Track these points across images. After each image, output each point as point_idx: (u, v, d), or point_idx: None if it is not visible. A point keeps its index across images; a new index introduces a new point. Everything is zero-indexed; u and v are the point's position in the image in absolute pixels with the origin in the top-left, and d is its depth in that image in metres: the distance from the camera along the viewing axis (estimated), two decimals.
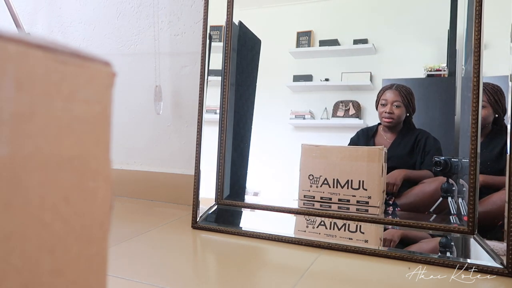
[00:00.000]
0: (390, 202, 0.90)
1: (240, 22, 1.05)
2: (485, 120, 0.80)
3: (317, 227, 0.89)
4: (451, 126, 0.86)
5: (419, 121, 0.91)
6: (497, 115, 0.80)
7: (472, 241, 0.78)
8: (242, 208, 1.00)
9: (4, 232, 0.18)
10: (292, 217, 0.93)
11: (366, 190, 0.87)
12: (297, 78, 1.03)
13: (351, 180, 0.89)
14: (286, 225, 0.93)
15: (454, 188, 0.84)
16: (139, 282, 0.68)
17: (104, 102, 0.24)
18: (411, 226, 0.83)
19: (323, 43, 1.01)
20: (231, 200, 1.02)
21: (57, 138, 0.21)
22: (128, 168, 1.32)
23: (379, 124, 0.94)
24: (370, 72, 0.95)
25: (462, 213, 0.81)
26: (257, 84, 1.06)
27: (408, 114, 0.91)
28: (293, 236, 0.89)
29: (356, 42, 0.97)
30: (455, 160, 0.84)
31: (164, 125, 1.29)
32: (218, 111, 1.03)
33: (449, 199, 0.84)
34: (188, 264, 0.78)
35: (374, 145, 0.93)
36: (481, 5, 0.79)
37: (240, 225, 0.97)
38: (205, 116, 1.03)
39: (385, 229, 0.85)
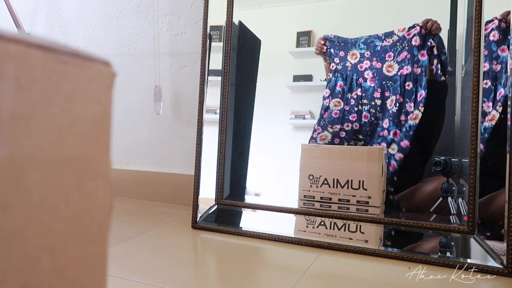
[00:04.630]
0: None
1: (240, 22, 1.05)
2: None
3: (317, 227, 0.89)
4: (451, 126, 0.86)
5: None
6: None
7: (472, 241, 0.78)
8: (242, 208, 1.00)
9: (4, 232, 0.18)
10: (292, 217, 0.93)
11: (366, 190, 0.87)
12: (297, 78, 1.03)
13: (351, 180, 0.89)
14: (286, 225, 0.93)
15: (454, 188, 0.84)
16: (139, 282, 0.68)
17: (104, 102, 0.24)
18: (411, 226, 0.83)
19: None
20: (231, 200, 1.02)
21: (57, 138, 0.21)
22: (128, 168, 1.32)
23: None
24: None
25: (462, 213, 0.81)
26: (257, 84, 1.06)
27: None
28: (293, 236, 0.89)
29: None
30: (455, 160, 0.84)
31: (164, 125, 1.29)
32: (218, 111, 1.03)
33: (449, 199, 0.84)
34: (188, 264, 0.78)
35: None
36: (481, 5, 0.79)
37: (240, 225, 0.97)
38: (205, 116, 1.03)
39: (385, 229, 0.85)
